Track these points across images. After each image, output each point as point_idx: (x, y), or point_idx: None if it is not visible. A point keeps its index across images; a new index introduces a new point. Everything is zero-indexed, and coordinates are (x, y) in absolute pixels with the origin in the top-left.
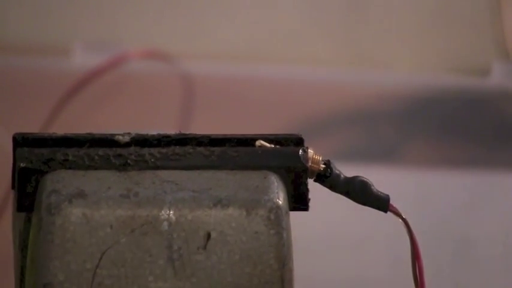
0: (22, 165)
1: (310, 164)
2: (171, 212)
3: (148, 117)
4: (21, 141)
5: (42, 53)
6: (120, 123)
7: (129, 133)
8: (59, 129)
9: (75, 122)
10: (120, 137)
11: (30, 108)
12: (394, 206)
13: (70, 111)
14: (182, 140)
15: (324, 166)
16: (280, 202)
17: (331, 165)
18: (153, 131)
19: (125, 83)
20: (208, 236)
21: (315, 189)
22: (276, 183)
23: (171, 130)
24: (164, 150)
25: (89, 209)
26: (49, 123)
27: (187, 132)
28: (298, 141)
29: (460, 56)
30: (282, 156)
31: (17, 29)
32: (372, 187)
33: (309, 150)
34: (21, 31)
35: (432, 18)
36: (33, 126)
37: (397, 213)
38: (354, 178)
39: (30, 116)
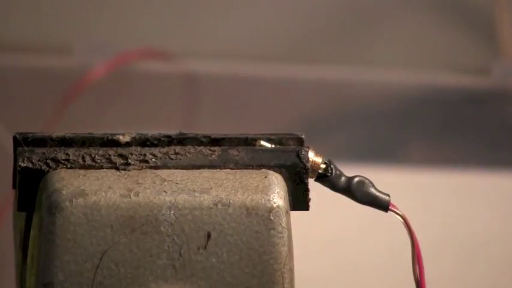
0: (23, 164)
1: (310, 163)
2: (172, 212)
3: (148, 117)
4: (21, 141)
5: (42, 52)
6: (120, 123)
7: (129, 133)
8: (60, 129)
9: (76, 121)
10: (121, 137)
11: (31, 108)
12: (395, 205)
13: (70, 111)
14: (183, 140)
15: (324, 166)
16: (281, 202)
17: (332, 165)
18: (153, 130)
19: (125, 83)
20: (209, 235)
21: (316, 189)
22: (276, 183)
23: (172, 130)
24: (165, 149)
25: (90, 209)
26: (50, 123)
27: (188, 132)
28: (299, 141)
29: (459, 56)
30: (283, 156)
31: (17, 29)
32: (373, 187)
33: (309, 150)
34: (22, 31)
35: (432, 17)
36: (33, 126)
37: (398, 213)
38: (355, 178)
39: (30, 116)
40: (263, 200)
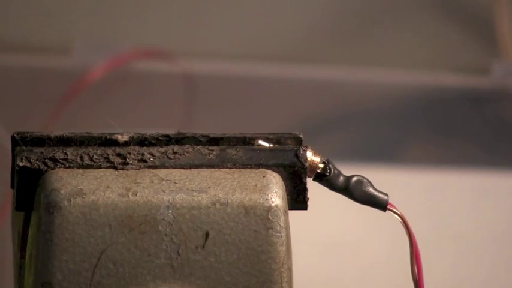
0: (21, 164)
1: (309, 163)
2: (170, 211)
3: (147, 117)
4: (20, 141)
5: (42, 52)
6: (120, 123)
7: (128, 132)
8: (59, 128)
9: (75, 121)
10: (119, 136)
11: (30, 108)
12: (393, 205)
13: (70, 111)
14: (181, 139)
15: (323, 165)
16: (279, 201)
17: (330, 164)
18: (152, 130)
19: (125, 83)
20: (207, 235)
21: (314, 189)
22: (274, 182)
23: (171, 129)
24: (163, 149)
25: (88, 208)
26: (49, 123)
27: (186, 131)
28: (297, 140)
29: (459, 56)
30: (281, 155)
31: (17, 29)
32: (371, 186)
33: (308, 149)
34: (21, 31)
35: (432, 18)
36: (32, 126)
37: (396, 212)
38: (353, 177)
39: (29, 116)
40: (261, 199)
